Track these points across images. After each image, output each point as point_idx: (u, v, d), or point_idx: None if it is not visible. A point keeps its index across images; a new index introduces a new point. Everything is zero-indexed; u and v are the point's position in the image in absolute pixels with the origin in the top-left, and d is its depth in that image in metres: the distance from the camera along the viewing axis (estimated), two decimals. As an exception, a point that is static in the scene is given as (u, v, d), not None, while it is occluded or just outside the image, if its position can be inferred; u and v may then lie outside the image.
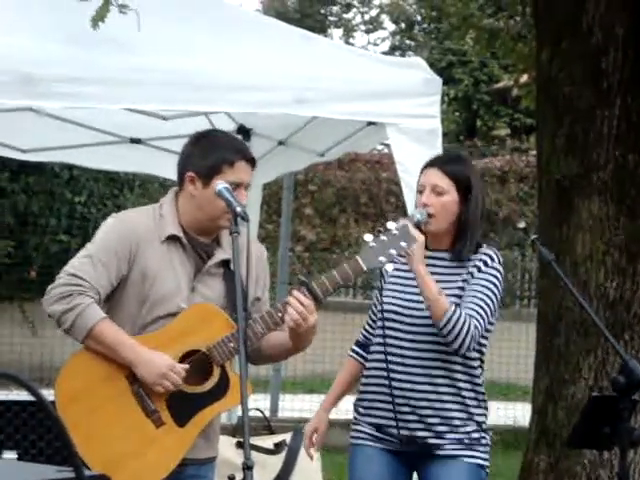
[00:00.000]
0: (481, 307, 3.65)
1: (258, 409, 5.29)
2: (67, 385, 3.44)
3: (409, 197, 4.54)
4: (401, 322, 3.72)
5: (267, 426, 5.26)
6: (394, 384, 3.69)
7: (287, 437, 5.12)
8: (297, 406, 9.72)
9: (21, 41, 4.25)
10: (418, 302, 3.70)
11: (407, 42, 23.07)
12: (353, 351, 3.93)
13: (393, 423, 3.70)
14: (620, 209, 4.86)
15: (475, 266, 3.72)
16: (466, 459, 3.69)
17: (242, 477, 3.05)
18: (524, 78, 7.83)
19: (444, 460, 3.68)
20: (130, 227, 3.48)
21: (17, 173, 10.79)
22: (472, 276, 3.70)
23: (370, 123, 4.82)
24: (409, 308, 3.73)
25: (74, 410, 3.39)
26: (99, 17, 3.97)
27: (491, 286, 3.70)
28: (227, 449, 4.35)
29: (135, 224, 3.49)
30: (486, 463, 3.75)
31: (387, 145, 6.66)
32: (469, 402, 3.72)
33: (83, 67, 4.24)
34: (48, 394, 2.46)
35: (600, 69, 4.89)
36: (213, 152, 3.47)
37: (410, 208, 4.49)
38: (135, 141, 5.93)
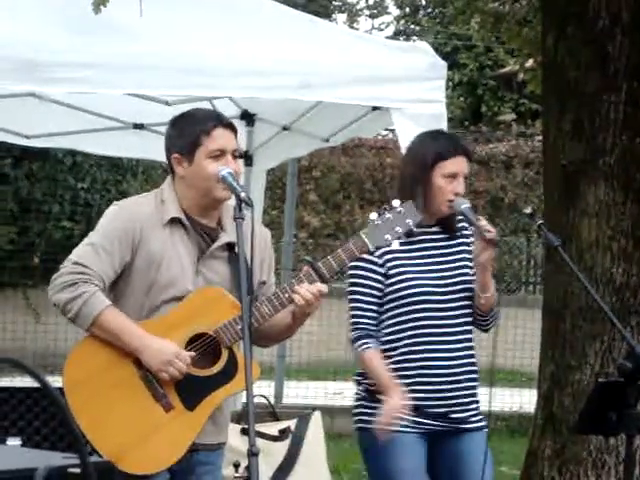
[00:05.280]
0: None
1: (263, 396, 5.29)
2: (75, 371, 3.44)
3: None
4: (436, 302, 3.73)
5: (272, 413, 5.25)
6: (436, 363, 3.71)
7: (292, 424, 5.12)
8: (302, 393, 9.72)
9: (24, 27, 4.23)
10: (449, 281, 3.75)
11: (412, 27, 23.00)
12: (369, 344, 3.74)
13: (434, 403, 3.71)
14: (626, 194, 4.84)
15: (465, 243, 3.84)
16: (485, 430, 3.81)
17: (247, 464, 3.04)
18: (529, 63, 7.78)
19: (470, 433, 3.76)
20: (132, 214, 3.47)
21: (20, 159, 10.79)
22: (470, 252, 3.80)
23: (375, 108, 4.80)
24: (443, 286, 3.75)
25: (82, 396, 3.39)
26: (101, 1, 3.95)
27: None
28: (232, 436, 4.33)
29: (137, 210, 3.49)
30: None
31: (392, 130, 6.64)
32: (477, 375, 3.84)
33: (86, 52, 4.23)
34: (52, 381, 2.45)
35: (606, 54, 4.85)
36: (189, 128, 3.49)
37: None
38: (138, 127, 5.90)
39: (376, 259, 3.73)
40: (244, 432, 4.65)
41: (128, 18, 4.20)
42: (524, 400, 9.44)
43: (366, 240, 3.43)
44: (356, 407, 3.84)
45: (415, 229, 3.65)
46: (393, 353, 3.75)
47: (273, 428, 5.07)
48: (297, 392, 9.67)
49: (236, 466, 4.61)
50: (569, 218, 4.92)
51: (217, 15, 4.57)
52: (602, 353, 4.82)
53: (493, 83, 18.76)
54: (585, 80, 4.90)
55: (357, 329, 3.78)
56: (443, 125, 4.57)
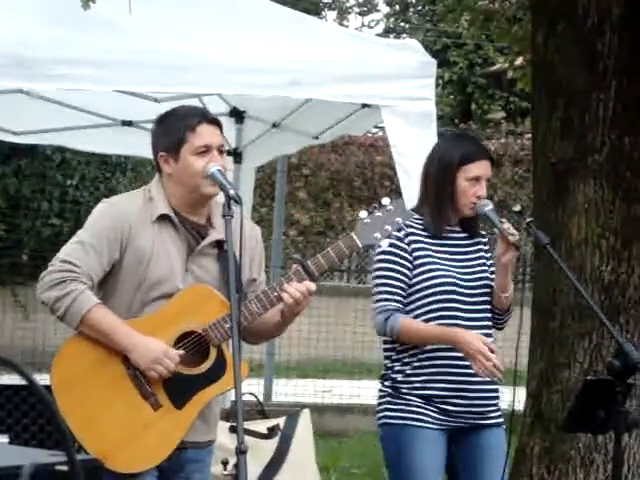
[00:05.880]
0: None
1: (252, 394, 5.29)
2: (63, 369, 3.42)
3: (403, 180, 4.51)
4: (461, 294, 3.78)
5: (261, 411, 5.25)
6: (460, 355, 3.72)
7: (280, 422, 5.12)
8: (291, 391, 9.72)
9: (13, 23, 4.22)
10: (471, 277, 3.80)
11: (401, 24, 23.00)
12: (400, 316, 3.75)
13: (457, 394, 3.74)
14: (616, 192, 4.84)
15: (482, 242, 3.92)
16: (503, 426, 3.86)
17: (235, 461, 3.04)
18: (519, 61, 7.80)
19: (490, 429, 3.80)
20: (121, 211, 3.46)
21: (8, 156, 10.74)
22: (487, 252, 3.88)
23: (364, 105, 4.79)
24: (466, 280, 3.80)
25: (70, 395, 3.38)
26: (90, -3, 3.94)
27: None
28: (221, 434, 4.33)
29: (126, 208, 3.48)
30: None
31: (381, 128, 6.63)
32: None
33: (75, 49, 4.22)
34: (40, 379, 2.43)
35: (596, 52, 4.86)
36: (174, 125, 3.48)
37: (405, 191, 4.47)
38: (127, 124, 5.89)
39: (404, 245, 3.76)
40: (233, 430, 4.64)
41: (117, 15, 4.19)
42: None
43: (356, 238, 3.42)
44: (380, 403, 3.84)
45: (444, 228, 3.78)
46: (419, 348, 3.76)
47: (262, 426, 5.07)
48: (286, 390, 9.66)
49: (224, 464, 4.60)
50: (558, 216, 4.92)
51: (207, 13, 4.56)
52: (591, 351, 4.82)
53: (483, 81, 18.78)
54: (574, 78, 4.90)
55: (385, 310, 3.77)
56: (433, 123, 4.57)
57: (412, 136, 4.51)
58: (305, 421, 5.18)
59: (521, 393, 7.12)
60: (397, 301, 3.77)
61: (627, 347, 3.48)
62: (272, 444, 5.05)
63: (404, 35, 21.67)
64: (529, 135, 7.44)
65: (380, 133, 13.17)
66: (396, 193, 4.09)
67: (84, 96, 5.22)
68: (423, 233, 3.78)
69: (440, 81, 18.33)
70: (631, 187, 4.86)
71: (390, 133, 4.59)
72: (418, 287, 3.76)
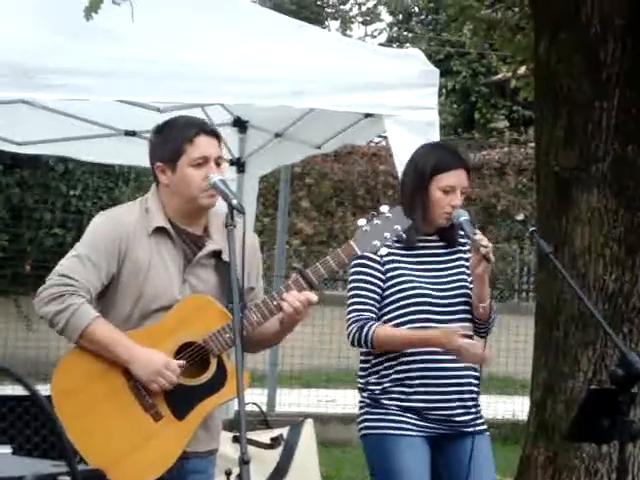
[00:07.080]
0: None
1: (255, 403, 5.27)
2: (63, 381, 3.41)
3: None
4: (435, 304, 3.75)
5: (264, 421, 5.23)
6: (437, 365, 3.72)
7: (284, 432, 5.11)
8: (294, 401, 9.71)
9: (15, 32, 4.21)
10: (447, 287, 3.78)
11: (404, 34, 23.03)
12: (373, 324, 3.75)
13: (437, 406, 3.73)
14: (619, 201, 4.84)
15: (462, 251, 3.86)
16: (487, 433, 3.83)
17: (239, 472, 3.03)
18: (522, 70, 7.81)
19: (473, 437, 3.76)
20: (118, 224, 3.46)
21: (11, 166, 10.76)
22: (467, 261, 3.82)
23: (367, 115, 4.80)
24: (441, 290, 3.77)
25: (71, 407, 3.37)
26: (92, 8, 3.95)
27: None
28: (224, 444, 4.31)
29: (122, 221, 3.47)
30: None
31: (384, 137, 6.63)
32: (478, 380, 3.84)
33: (77, 59, 4.21)
34: (43, 389, 2.43)
35: (599, 60, 4.86)
36: (172, 136, 3.47)
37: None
38: (130, 134, 5.89)
39: (377, 257, 3.72)
40: (236, 440, 4.63)
41: (119, 25, 4.18)
42: (517, 407, 9.43)
43: (355, 246, 3.42)
44: (361, 414, 3.83)
45: (416, 238, 3.74)
46: (395, 360, 3.75)
47: (265, 436, 5.05)
48: (290, 400, 9.65)
49: (228, 474, 4.58)
50: (562, 225, 4.92)
51: (209, 21, 4.56)
52: (595, 360, 4.81)
53: (486, 90, 18.80)
54: (578, 87, 4.91)
55: (358, 320, 3.77)
56: (436, 132, 4.57)
57: (415, 145, 4.49)
58: (308, 431, 5.17)
59: (525, 402, 7.12)
60: (370, 311, 3.77)
61: (631, 356, 3.47)
62: (275, 454, 5.04)
63: (407, 44, 21.68)
64: (532, 144, 7.45)
65: (383, 142, 13.18)
66: (399, 202, 4.07)
67: (87, 106, 5.22)
68: (396, 244, 3.73)
69: (443, 90, 18.35)
70: (635, 196, 4.86)
71: (393, 142, 4.59)
72: (391, 299, 3.76)
